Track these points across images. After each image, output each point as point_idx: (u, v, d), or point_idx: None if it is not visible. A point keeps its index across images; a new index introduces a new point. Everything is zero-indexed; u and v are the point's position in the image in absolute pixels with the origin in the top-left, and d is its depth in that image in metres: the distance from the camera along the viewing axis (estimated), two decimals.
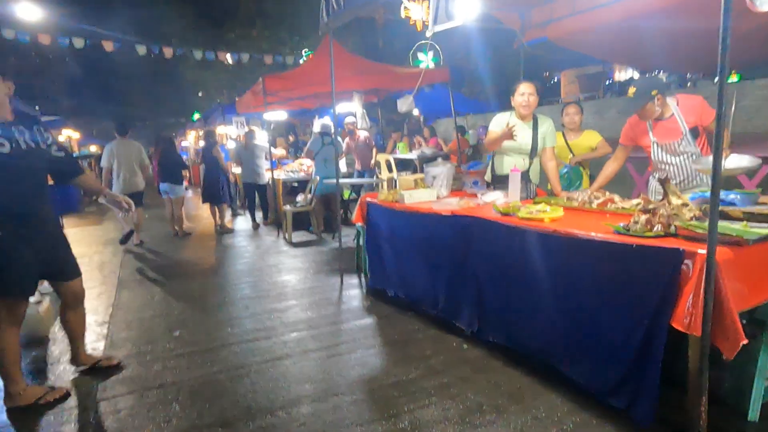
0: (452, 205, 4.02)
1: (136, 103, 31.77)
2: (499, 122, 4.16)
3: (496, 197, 3.97)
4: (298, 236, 7.91)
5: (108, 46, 12.12)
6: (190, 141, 20.06)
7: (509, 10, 5.82)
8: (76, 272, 3.27)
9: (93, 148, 23.01)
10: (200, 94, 28.52)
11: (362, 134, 8.90)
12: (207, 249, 7.51)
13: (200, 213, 11.49)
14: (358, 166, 9.25)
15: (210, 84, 24.56)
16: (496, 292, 3.41)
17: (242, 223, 9.64)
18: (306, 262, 6.27)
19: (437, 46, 7.60)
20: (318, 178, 7.86)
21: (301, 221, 8.03)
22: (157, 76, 30.41)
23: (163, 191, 8.59)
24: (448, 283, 3.86)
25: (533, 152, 4.16)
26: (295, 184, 9.12)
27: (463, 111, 9.86)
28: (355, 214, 5.10)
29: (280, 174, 9.00)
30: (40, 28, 12.64)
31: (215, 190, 8.68)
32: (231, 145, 15.48)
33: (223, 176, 8.89)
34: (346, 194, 8.84)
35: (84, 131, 23.44)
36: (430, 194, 4.61)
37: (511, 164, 4.17)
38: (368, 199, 4.94)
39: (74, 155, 4.84)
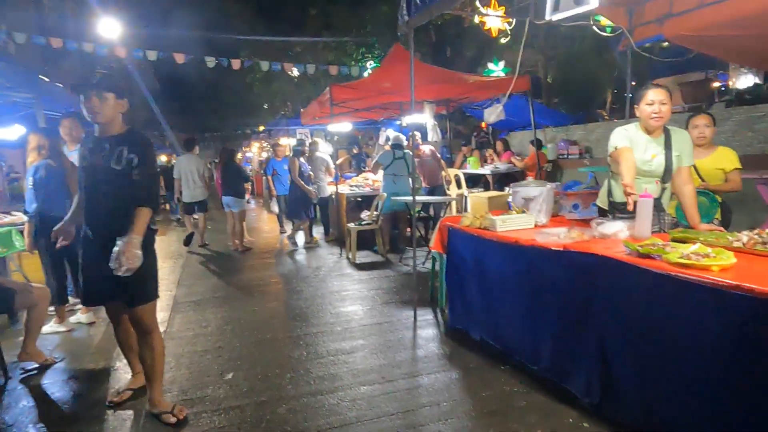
0: (560, 237, 3.22)
1: (205, 115, 32.62)
2: (623, 137, 3.31)
3: (617, 229, 3.14)
4: (362, 256, 7.28)
5: (179, 58, 12.11)
6: (254, 152, 20.11)
7: (615, 5, 4.96)
8: (140, 298, 2.86)
9: (164, 158, 23.63)
10: (265, 107, 28.86)
11: (426, 148, 8.19)
12: (266, 268, 7.01)
13: (261, 226, 11.14)
14: (425, 182, 8.54)
15: (275, 96, 24.72)
16: (629, 357, 2.58)
17: (302, 238, 9.14)
18: (372, 288, 5.61)
19: (518, 51, 6.75)
20: (385, 195, 7.21)
21: (365, 240, 7.40)
22: (226, 88, 31.11)
23: (225, 204, 8.25)
24: (556, 335, 3.06)
25: (667, 174, 3.29)
26: (359, 199, 8.54)
27: (541, 123, 8.95)
28: (433, 241, 4.38)
29: (344, 188, 8.44)
30: (117, 42, 12.89)
31: (300, 205, 8.16)
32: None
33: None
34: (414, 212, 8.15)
35: (156, 141, 24.11)
36: (527, 221, 3.82)
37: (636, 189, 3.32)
38: (449, 224, 4.22)
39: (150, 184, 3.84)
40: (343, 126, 9.64)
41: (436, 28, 14.33)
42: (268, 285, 5.99)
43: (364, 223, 7.19)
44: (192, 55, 12.29)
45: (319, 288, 5.72)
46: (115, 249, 2.58)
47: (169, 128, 30.09)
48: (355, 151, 13.00)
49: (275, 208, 9.69)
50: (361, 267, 6.68)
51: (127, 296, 2.82)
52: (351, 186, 8.55)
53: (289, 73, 23.40)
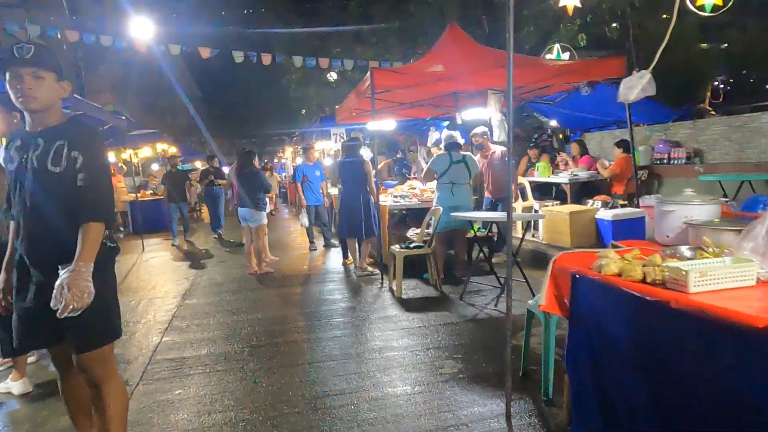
0: None
1: (243, 121, 31.73)
2: None
3: None
4: (410, 287, 5.54)
5: (205, 52, 10.74)
6: (288, 157, 18.70)
7: None
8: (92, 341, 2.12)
9: (198, 164, 22.59)
10: (303, 112, 27.62)
11: (498, 149, 6.39)
12: (285, 303, 5.34)
13: (291, 241, 9.53)
14: (488, 192, 6.73)
15: (312, 100, 23.35)
16: None
17: (334, 259, 7.46)
18: (428, 345, 3.85)
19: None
20: (441, 209, 5.45)
21: (411, 264, 5.64)
22: (263, 94, 30.14)
23: (241, 218, 6.66)
24: None
25: None
26: (404, 212, 6.82)
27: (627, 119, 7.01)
28: (545, 297, 2.57)
29: (386, 199, 6.72)
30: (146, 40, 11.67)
31: (359, 220, 6.29)
32: (328, 162, 13.68)
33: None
34: (474, 230, 6.36)
35: (197, 148, 23.01)
36: (745, 273, 1.99)
37: None
38: (577, 271, 2.41)
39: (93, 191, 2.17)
40: (385, 124, 7.92)
41: (488, 17, 12.49)
42: (282, 335, 4.29)
43: (413, 245, 5.43)
44: (218, 49, 10.90)
45: (353, 344, 3.99)
46: (58, 282, 1.89)
47: (208, 135, 29.40)
48: (398, 155, 11.24)
49: (305, 221, 8.08)
50: (409, 305, 4.93)
51: (75, 339, 2.08)
52: (395, 197, 6.83)
53: (328, 77, 22.10)
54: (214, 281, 6.34)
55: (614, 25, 9.29)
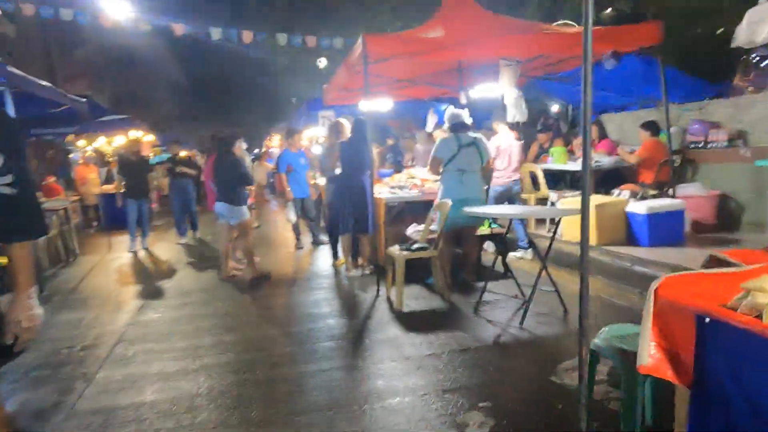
0: None
1: (231, 110, 30.44)
2: None
3: None
4: (411, 294, 4.59)
5: (179, 29, 9.64)
6: (275, 145, 17.59)
7: None
8: None
9: (183, 153, 21.39)
10: (293, 101, 26.45)
11: (504, 134, 5.42)
12: (264, 320, 4.36)
13: (275, 238, 8.51)
14: (502, 179, 5.78)
15: (302, 89, 22.20)
16: None
17: (323, 259, 6.48)
18: (442, 382, 2.89)
19: None
20: (449, 202, 4.48)
21: (412, 266, 4.65)
22: (251, 82, 28.91)
23: (217, 213, 5.64)
24: None
25: None
26: (398, 205, 5.83)
27: (657, 96, 6.07)
28: (647, 352, 1.59)
29: (382, 191, 5.74)
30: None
31: (358, 212, 5.32)
32: (317, 150, 12.62)
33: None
34: (486, 226, 5.40)
35: (169, 136, 21.67)
36: None
37: None
38: (705, 311, 1.45)
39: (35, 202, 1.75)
40: (381, 104, 6.87)
41: None
42: (253, 369, 3.30)
43: (415, 247, 4.45)
44: (193, 26, 9.78)
45: (344, 383, 3.02)
46: (8, 317, 1.58)
47: (197, 124, 28.15)
48: (390, 142, 10.22)
49: (291, 216, 7.08)
50: (412, 321, 3.97)
51: None
52: (392, 188, 5.84)
53: (317, 62, 20.91)
54: (179, 289, 5.33)
55: None
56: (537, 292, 3.84)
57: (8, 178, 1.53)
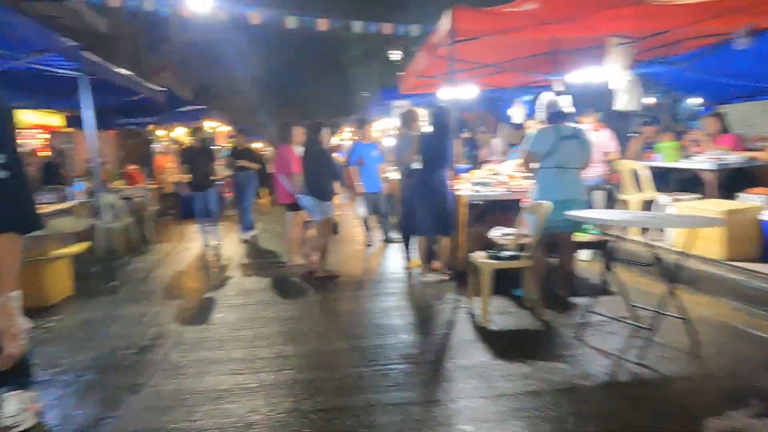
0: None
1: (301, 102, 30.81)
2: None
3: None
4: (497, 307, 3.96)
5: (255, 17, 9.47)
6: (346, 137, 17.33)
7: None
8: None
9: (258, 145, 21.73)
10: (364, 94, 26.22)
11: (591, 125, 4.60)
12: (329, 330, 3.90)
13: (343, 234, 8.06)
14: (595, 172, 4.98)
15: (374, 82, 21.84)
16: None
17: (395, 260, 5.95)
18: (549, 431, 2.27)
19: None
20: (548, 204, 3.78)
21: (497, 275, 3.98)
22: (322, 76, 29.05)
23: (304, 207, 5.24)
24: None
25: None
26: (483, 204, 5.16)
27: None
28: None
29: (463, 188, 5.09)
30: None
31: (437, 211, 4.78)
32: (388, 142, 12.11)
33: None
34: (584, 232, 4.63)
35: (237, 127, 21.88)
36: None
37: None
38: None
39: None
40: (464, 91, 6.15)
41: None
42: (313, 394, 2.83)
43: (505, 254, 3.80)
44: (269, 12, 9.56)
45: (422, 426, 2.46)
46: None
47: (269, 117, 28.73)
48: (467, 135, 9.49)
49: (361, 211, 6.62)
50: (501, 344, 3.34)
51: None
52: (474, 184, 5.19)
53: (390, 54, 20.44)
54: (242, 288, 5.00)
55: None
56: (652, 314, 3.08)
57: (1, 158, 1.32)
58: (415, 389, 2.77)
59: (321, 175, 5.11)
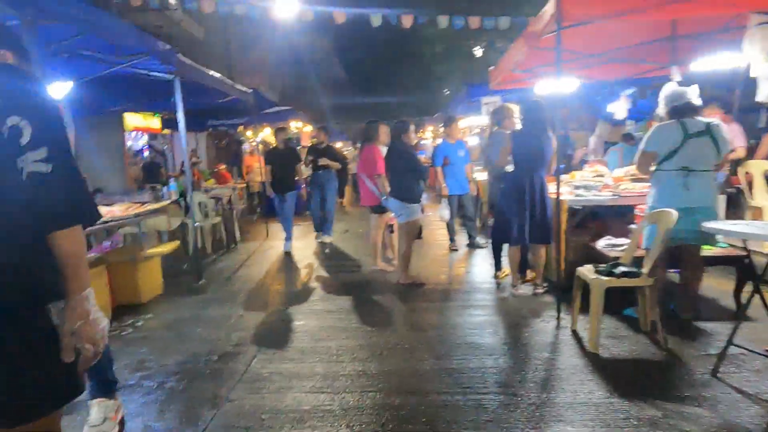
0: None
1: (383, 101, 30.92)
2: None
3: None
4: (606, 330, 3.44)
5: (339, 17, 9.39)
6: (428, 137, 16.98)
7: None
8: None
9: (339, 144, 21.98)
10: (446, 92, 25.74)
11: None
12: (412, 346, 3.59)
13: (426, 238, 7.76)
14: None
15: (457, 78, 21.29)
16: None
17: (482, 267, 5.54)
18: None
19: None
20: (669, 213, 3.20)
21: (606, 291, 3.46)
22: (405, 74, 28.94)
23: (393, 211, 5.01)
24: None
25: None
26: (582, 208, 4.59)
27: None
28: None
29: (563, 192, 4.57)
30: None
31: (533, 218, 4.34)
32: (474, 141, 11.60)
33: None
34: (711, 245, 3.96)
35: (339, 129, 22.06)
36: None
37: None
38: None
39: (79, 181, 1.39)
40: (564, 84, 5.55)
41: None
42: (393, 421, 2.55)
43: (621, 271, 3.27)
44: (353, 10, 9.44)
45: None
46: (63, 329, 1.29)
47: (351, 117, 29.11)
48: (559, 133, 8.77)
49: (445, 214, 6.25)
50: (616, 375, 2.84)
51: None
52: (576, 187, 4.64)
53: (473, 51, 19.80)
54: (324, 294, 4.82)
55: None
56: None
57: (41, 152, 1.23)
58: (517, 427, 2.38)
59: (407, 176, 4.84)
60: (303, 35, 25.63)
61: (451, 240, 6.53)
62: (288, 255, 6.57)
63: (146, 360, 3.31)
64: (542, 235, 4.37)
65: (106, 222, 4.29)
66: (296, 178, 6.95)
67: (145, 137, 13.11)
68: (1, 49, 1.61)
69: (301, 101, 23.15)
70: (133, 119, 11.66)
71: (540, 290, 4.46)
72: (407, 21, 9.47)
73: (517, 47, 4.83)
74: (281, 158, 6.85)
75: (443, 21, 9.56)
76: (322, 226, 7.29)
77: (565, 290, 3.84)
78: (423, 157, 10.78)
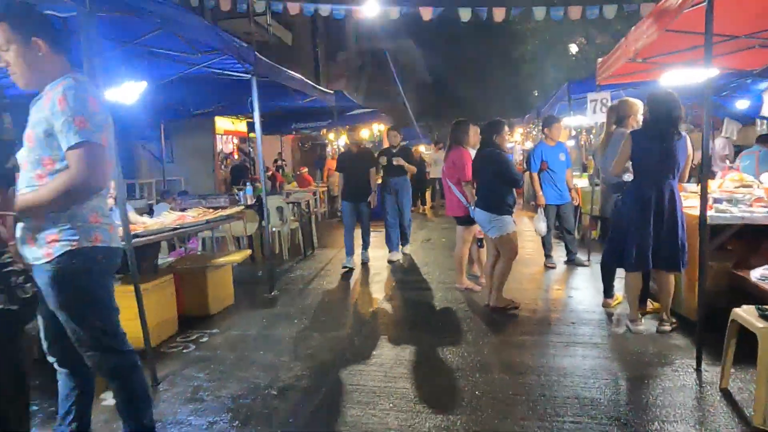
0: None
1: (472, 105, 30.03)
2: None
3: None
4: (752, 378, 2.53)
5: (426, 13, 8.83)
6: (517, 140, 15.88)
7: None
8: None
9: (422, 149, 21.37)
10: (535, 93, 24.25)
11: None
12: (499, 393, 2.89)
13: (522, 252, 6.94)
14: None
15: (548, 79, 19.89)
16: None
17: (585, 291, 4.69)
18: None
19: None
20: None
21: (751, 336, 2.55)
22: (493, 76, 27.81)
23: (481, 223, 4.34)
24: None
25: None
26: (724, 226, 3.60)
27: None
28: None
29: (694, 205, 3.65)
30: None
31: (674, 239, 3.45)
32: (571, 143, 10.50)
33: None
34: None
35: (411, 131, 21.25)
36: None
37: None
38: None
39: None
40: (694, 74, 4.50)
41: None
42: None
43: None
44: (441, 8, 8.81)
45: None
46: None
47: (437, 118, 28.51)
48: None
49: (541, 227, 5.44)
50: None
51: None
52: (716, 201, 3.68)
53: (569, 48, 18.33)
54: (398, 318, 4.25)
55: None
56: None
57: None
58: None
59: (499, 183, 4.13)
60: (386, 41, 25.47)
61: (547, 256, 5.69)
62: (365, 266, 6.08)
63: (201, 388, 2.93)
64: (671, 259, 3.48)
65: (175, 229, 4.03)
66: (371, 184, 6.04)
67: (236, 140, 13.38)
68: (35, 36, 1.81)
69: (385, 104, 22.88)
70: (222, 123, 11.91)
71: (667, 327, 3.57)
72: (499, 15, 8.68)
73: (642, 30, 3.94)
74: (354, 162, 5.99)
75: (539, 13, 8.67)
76: (395, 239, 6.34)
77: (703, 330, 2.97)
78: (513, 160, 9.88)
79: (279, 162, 14.10)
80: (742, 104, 7.42)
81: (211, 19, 11.50)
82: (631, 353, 3.27)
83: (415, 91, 34.34)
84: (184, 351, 3.54)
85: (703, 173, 3.04)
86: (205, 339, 3.75)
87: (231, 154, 13.40)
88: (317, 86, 6.93)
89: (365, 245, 6.24)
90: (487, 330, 3.77)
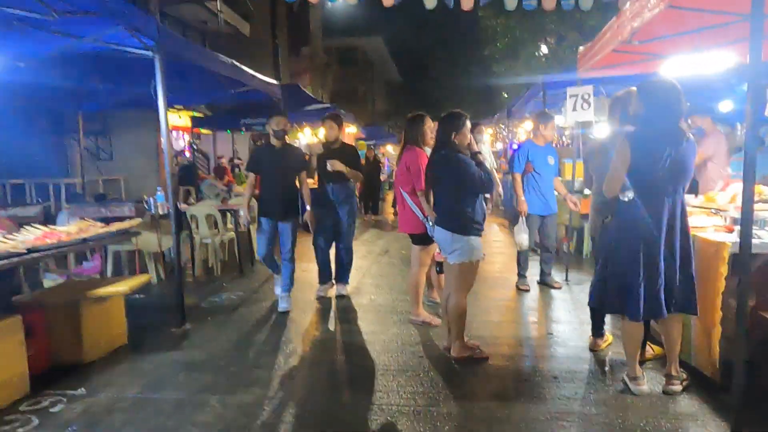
0: None
1: (441, 107, 29.43)
2: None
3: None
4: None
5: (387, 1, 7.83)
6: (485, 140, 15.08)
7: None
8: None
9: (389, 148, 20.42)
10: (505, 95, 23.65)
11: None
12: None
13: (487, 272, 5.98)
14: None
15: (518, 80, 19.24)
16: None
17: (565, 324, 3.81)
18: None
19: None
20: None
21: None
22: (462, 76, 27.26)
23: (441, 244, 3.27)
24: None
25: None
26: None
27: None
28: None
29: (708, 225, 2.79)
30: None
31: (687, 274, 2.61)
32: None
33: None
34: None
35: (377, 130, 20.07)
36: None
37: None
38: None
39: None
40: (711, 61, 3.62)
41: None
42: None
43: None
44: None
45: None
46: None
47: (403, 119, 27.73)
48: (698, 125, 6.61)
49: (522, 239, 4.50)
50: None
51: None
52: (735, 222, 2.84)
53: (538, 51, 17.70)
54: (343, 360, 3.29)
55: None
56: None
57: None
58: None
59: (462, 194, 3.15)
60: (353, 40, 24.41)
61: (521, 276, 4.78)
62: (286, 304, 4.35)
63: None
64: (686, 300, 2.61)
65: (31, 251, 2.92)
66: (304, 197, 4.35)
67: (187, 137, 12.09)
68: None
69: (350, 104, 21.78)
70: (170, 117, 10.63)
71: (677, 386, 2.69)
72: (467, 3, 7.77)
73: (643, 3, 3.06)
74: (274, 162, 4.20)
75: (511, 2, 7.78)
76: (331, 271, 4.77)
77: (712, 384, 2.12)
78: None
79: (236, 160, 12.93)
80: (724, 106, 6.73)
81: (158, 4, 10.22)
82: (636, 424, 2.37)
83: (384, 89, 33.46)
84: (19, 430, 2.46)
85: (745, 187, 2.16)
86: (58, 408, 2.66)
87: (182, 151, 12.12)
88: (257, 75, 5.84)
89: (287, 284, 4.32)
90: (445, 392, 2.81)
